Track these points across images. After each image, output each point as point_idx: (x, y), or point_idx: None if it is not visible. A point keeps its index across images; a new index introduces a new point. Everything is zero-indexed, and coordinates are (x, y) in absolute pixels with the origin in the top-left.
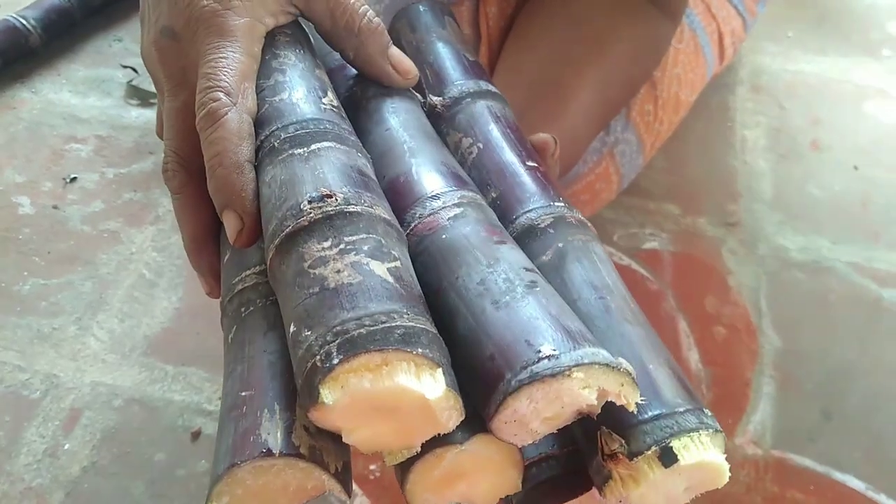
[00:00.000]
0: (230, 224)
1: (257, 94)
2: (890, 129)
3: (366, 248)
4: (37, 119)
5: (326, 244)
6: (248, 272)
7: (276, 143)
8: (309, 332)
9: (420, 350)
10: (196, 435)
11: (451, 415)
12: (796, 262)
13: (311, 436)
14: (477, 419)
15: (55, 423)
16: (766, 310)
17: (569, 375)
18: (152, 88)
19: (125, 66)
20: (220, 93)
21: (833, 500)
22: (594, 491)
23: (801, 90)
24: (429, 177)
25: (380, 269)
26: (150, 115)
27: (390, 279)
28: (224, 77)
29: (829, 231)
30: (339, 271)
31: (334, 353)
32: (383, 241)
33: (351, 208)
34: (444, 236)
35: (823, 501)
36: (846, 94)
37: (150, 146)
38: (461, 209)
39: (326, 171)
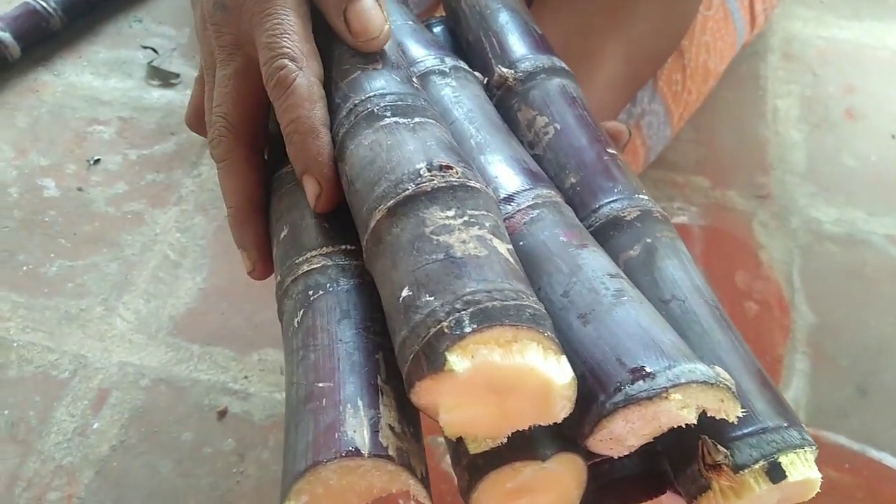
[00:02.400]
0: (310, 188)
1: (346, 59)
2: None
3: (488, 224)
4: (59, 102)
5: (450, 213)
6: (312, 253)
7: (374, 110)
8: (431, 298)
9: (549, 333)
10: (222, 414)
11: (564, 406)
12: (830, 234)
13: (396, 437)
14: (559, 436)
15: (84, 402)
16: (798, 284)
17: (666, 397)
18: (173, 69)
19: (146, 47)
20: (285, 60)
21: (868, 478)
22: (666, 497)
23: (834, 57)
24: (500, 176)
25: (502, 247)
26: (171, 95)
27: (511, 260)
28: (285, 44)
29: (864, 203)
30: (464, 242)
31: (466, 322)
32: (499, 223)
33: (471, 183)
34: (521, 243)
35: (858, 479)
36: (882, 61)
37: (172, 127)
38: (537, 211)
39: (435, 144)
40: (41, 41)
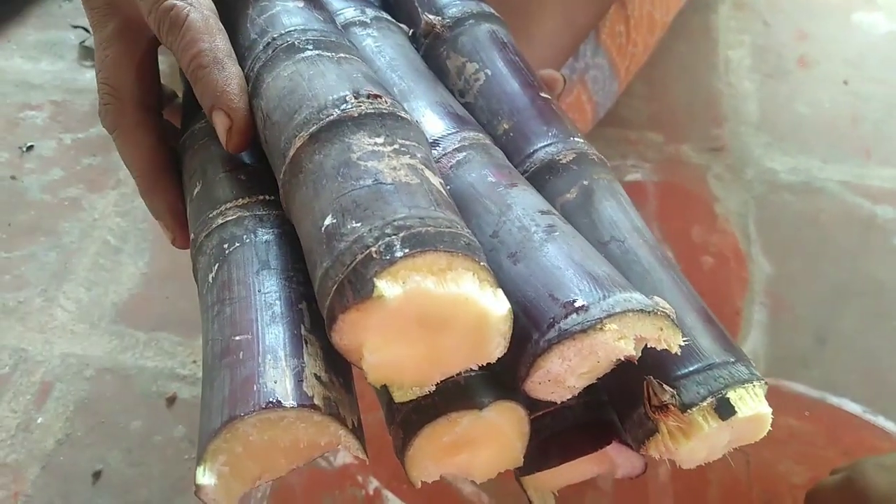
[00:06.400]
0: (219, 123)
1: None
2: (879, 39)
3: (419, 155)
4: None
5: (379, 140)
6: (227, 205)
7: (295, 42)
8: (359, 224)
9: (484, 264)
10: (171, 400)
11: (499, 343)
12: (785, 184)
13: (324, 386)
14: (497, 384)
15: (26, 397)
16: (755, 236)
17: (601, 329)
18: None
19: (76, 27)
20: (171, 1)
21: (829, 424)
22: (612, 447)
23: (785, 4)
24: (425, 121)
25: (434, 179)
26: None
27: (444, 192)
28: None
29: (818, 150)
30: (395, 168)
31: (397, 246)
32: (430, 157)
33: (402, 114)
34: (448, 187)
35: (819, 426)
36: (833, 6)
37: None
38: (464, 154)
39: (362, 76)
40: None
